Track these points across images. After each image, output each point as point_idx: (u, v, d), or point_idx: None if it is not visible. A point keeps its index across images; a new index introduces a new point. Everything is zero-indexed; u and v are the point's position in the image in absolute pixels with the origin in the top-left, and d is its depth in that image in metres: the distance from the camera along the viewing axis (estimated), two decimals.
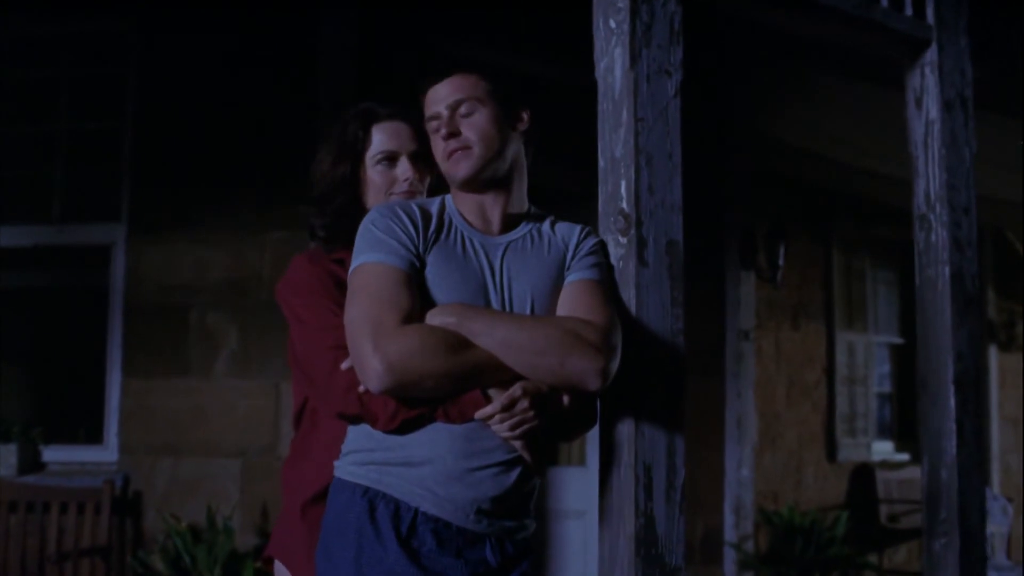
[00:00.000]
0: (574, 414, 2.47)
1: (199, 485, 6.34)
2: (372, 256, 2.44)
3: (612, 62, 2.73)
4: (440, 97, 2.60)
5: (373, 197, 2.82)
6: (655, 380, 2.64)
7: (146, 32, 6.72)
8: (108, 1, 6.71)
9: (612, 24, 2.74)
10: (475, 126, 2.57)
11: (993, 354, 11.66)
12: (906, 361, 10.94)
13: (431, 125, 2.62)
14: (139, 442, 6.45)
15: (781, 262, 8.77)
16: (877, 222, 10.37)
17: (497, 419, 2.38)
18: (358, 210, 2.79)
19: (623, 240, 2.66)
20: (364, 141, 2.83)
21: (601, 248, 2.68)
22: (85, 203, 6.81)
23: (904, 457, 10.62)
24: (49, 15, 6.73)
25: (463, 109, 2.58)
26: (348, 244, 2.62)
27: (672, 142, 2.73)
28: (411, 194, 2.79)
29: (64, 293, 7.07)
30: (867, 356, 10.38)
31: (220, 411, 6.39)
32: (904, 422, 10.89)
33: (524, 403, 2.37)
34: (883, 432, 10.75)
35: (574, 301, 2.52)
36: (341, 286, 2.57)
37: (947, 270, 3.49)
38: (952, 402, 3.46)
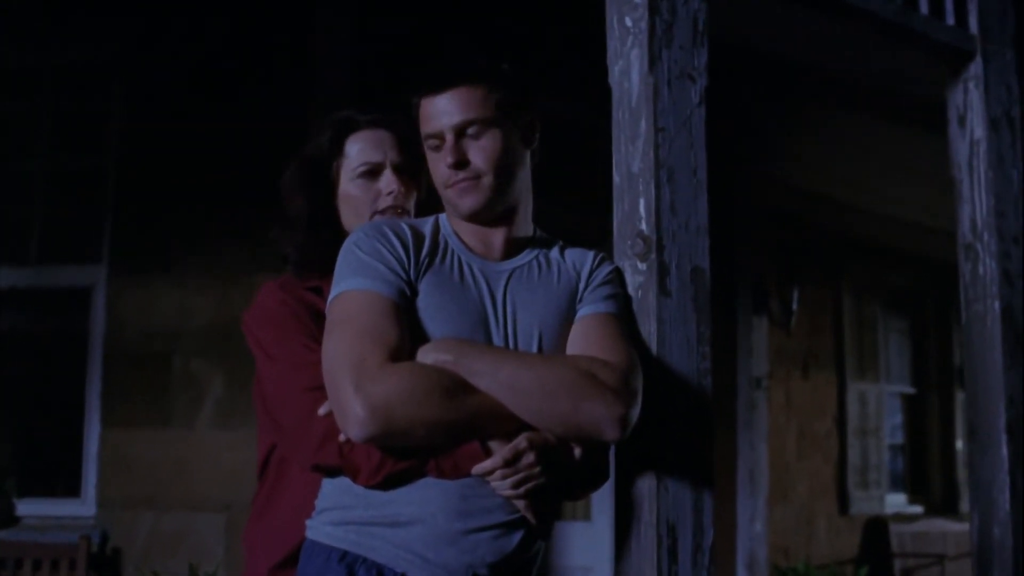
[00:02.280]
0: (586, 468, 2.22)
1: (181, 541, 6.05)
2: (355, 282, 2.19)
3: (628, 65, 2.48)
4: (442, 112, 2.28)
5: (354, 216, 2.55)
6: (680, 427, 2.40)
7: (130, 64, 6.55)
8: (91, 31, 6.55)
9: (628, 22, 2.49)
10: (486, 152, 2.28)
11: None
12: (918, 411, 11.02)
13: (430, 143, 2.32)
14: (118, 496, 6.18)
15: (795, 307, 8.66)
16: (889, 268, 10.38)
17: (498, 475, 2.12)
18: (335, 232, 2.53)
19: (642, 266, 2.41)
20: (338, 153, 2.57)
21: (617, 277, 2.44)
22: (64, 244, 6.62)
23: (918, 510, 10.60)
24: (29, 46, 6.57)
25: (471, 131, 2.28)
26: (324, 270, 2.37)
27: (696, 156, 2.48)
28: (397, 210, 2.53)
29: (41, 338, 6.84)
30: (879, 406, 10.32)
31: (204, 463, 6.10)
32: (917, 474, 10.91)
33: (530, 457, 2.12)
34: (896, 484, 10.70)
35: (588, 337, 2.27)
36: (318, 317, 2.31)
37: (997, 305, 3.23)
38: (1004, 451, 3.19)
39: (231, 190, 6.12)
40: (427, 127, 2.30)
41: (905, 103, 6.98)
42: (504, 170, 2.29)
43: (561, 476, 2.18)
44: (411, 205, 2.56)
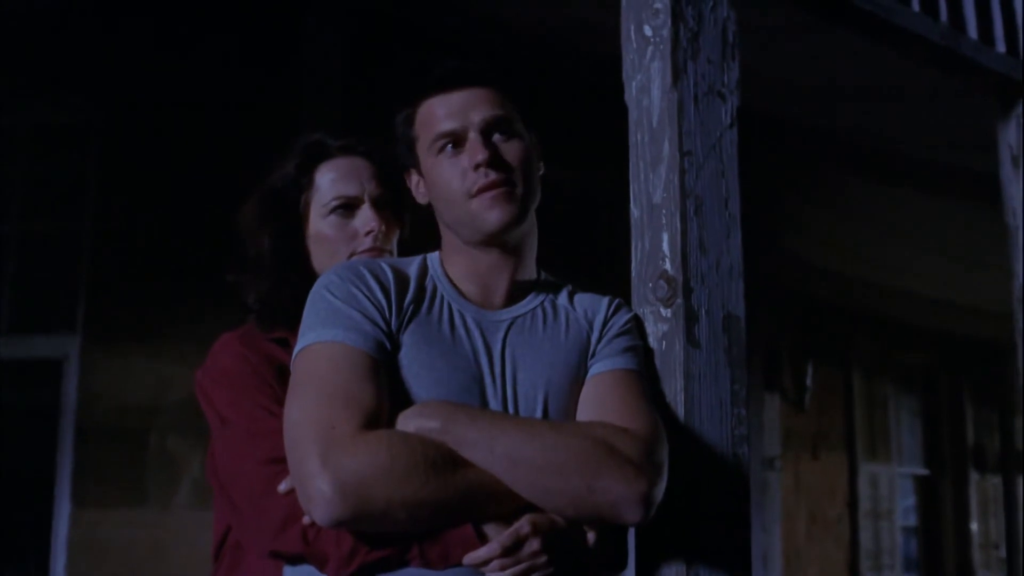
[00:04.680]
0: (601, 556, 1.93)
1: None
2: (325, 333, 1.90)
3: (648, 80, 2.21)
4: (462, 108, 1.98)
5: (326, 258, 2.25)
6: (712, 505, 2.12)
7: (108, 125, 6.46)
8: (68, 91, 6.45)
9: (647, 31, 2.23)
10: (518, 157, 1.99)
11: None
12: (931, 493, 11.15)
13: (440, 144, 1.99)
14: None
15: (809, 383, 8.56)
16: (899, 346, 10.46)
17: (495, 565, 1.82)
18: (305, 275, 2.22)
19: (666, 312, 2.13)
20: (307, 184, 2.28)
21: (636, 326, 2.15)
22: (36, 312, 6.49)
23: None
24: (2, 106, 6.47)
25: (499, 134, 1.98)
26: (292, 319, 2.06)
27: (728, 185, 2.22)
28: (377, 252, 2.22)
29: (9, 412, 6.74)
30: (891, 488, 10.39)
31: (180, 546, 5.87)
32: (931, 557, 10.98)
33: (533, 544, 1.83)
34: (909, 568, 10.73)
35: (603, 400, 1.99)
36: (283, 375, 2.01)
37: None
38: None
39: (212, 255, 5.88)
40: (438, 127, 1.99)
41: (928, 170, 6.85)
42: (533, 182, 2.02)
43: (571, 566, 1.89)
44: (392, 246, 2.27)
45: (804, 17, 2.90)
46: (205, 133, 6.15)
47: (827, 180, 7.59)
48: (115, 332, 6.16)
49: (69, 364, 6.22)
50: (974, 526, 11.06)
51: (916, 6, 2.71)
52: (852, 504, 9.56)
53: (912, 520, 10.84)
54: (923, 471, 10.95)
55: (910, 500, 10.87)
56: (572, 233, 6.29)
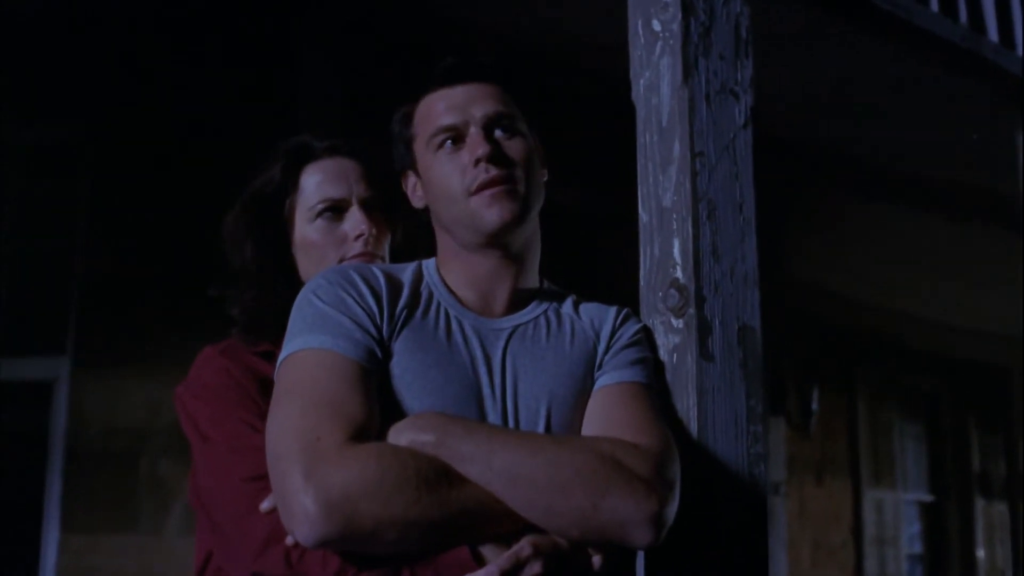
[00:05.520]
0: None
1: None
2: (312, 340, 1.80)
3: (657, 77, 2.12)
4: (463, 103, 1.91)
5: (313, 266, 2.13)
6: (727, 528, 2.00)
7: (100, 144, 6.41)
8: (59, 109, 6.41)
9: (656, 25, 2.14)
10: (520, 154, 1.92)
11: None
12: (937, 520, 11.08)
13: (439, 139, 1.91)
14: None
15: (815, 407, 8.50)
16: (904, 370, 10.46)
17: None
18: (291, 285, 2.11)
19: (677, 323, 2.03)
20: (292, 188, 2.17)
21: (646, 337, 2.04)
22: (25, 333, 6.40)
23: None
24: None
25: (501, 131, 1.91)
26: (277, 332, 1.96)
27: (743, 188, 2.11)
28: (368, 257, 2.10)
29: None
30: (896, 515, 10.33)
31: (171, 573, 5.77)
32: None
33: (535, 567, 1.73)
34: None
35: (610, 414, 1.89)
36: (268, 389, 1.89)
37: None
38: None
39: (204, 277, 5.81)
40: (438, 121, 1.91)
41: (934, 190, 6.78)
42: (536, 181, 1.93)
43: None
44: (384, 251, 2.15)
45: (820, 15, 2.82)
46: (197, 154, 6.08)
47: (832, 200, 7.54)
48: (106, 354, 6.08)
49: (59, 387, 6.13)
50: (980, 553, 11.03)
51: (935, 6, 2.64)
52: (857, 531, 9.54)
53: (917, 547, 10.78)
54: (928, 497, 10.88)
55: (915, 527, 10.81)
56: (564, 248, 6.26)
